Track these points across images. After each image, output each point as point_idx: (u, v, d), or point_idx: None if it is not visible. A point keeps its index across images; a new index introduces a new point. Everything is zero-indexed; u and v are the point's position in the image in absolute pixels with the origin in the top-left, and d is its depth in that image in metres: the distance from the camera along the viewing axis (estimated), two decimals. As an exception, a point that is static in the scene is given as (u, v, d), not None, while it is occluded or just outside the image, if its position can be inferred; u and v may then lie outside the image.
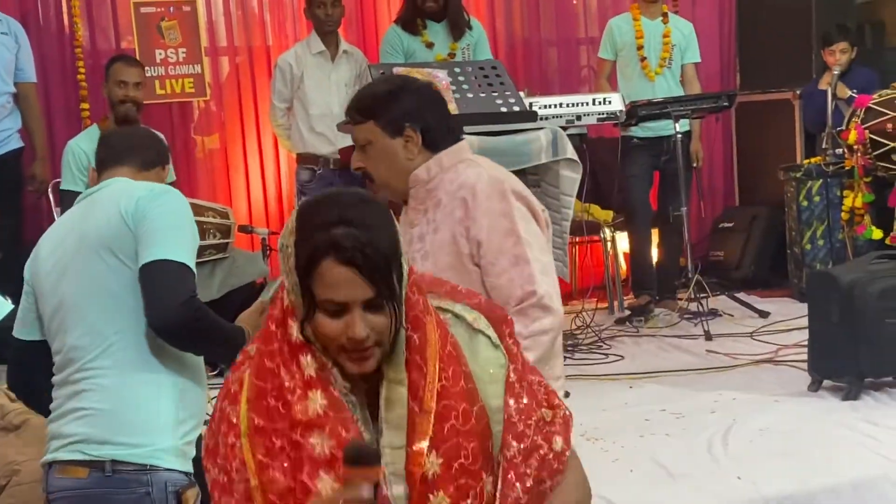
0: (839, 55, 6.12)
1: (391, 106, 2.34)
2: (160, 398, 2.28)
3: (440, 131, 2.39)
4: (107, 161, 2.53)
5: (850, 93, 5.84)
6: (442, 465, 1.52)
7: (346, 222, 1.49)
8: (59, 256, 2.39)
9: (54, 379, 2.37)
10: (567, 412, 1.69)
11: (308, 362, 1.52)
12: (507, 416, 1.60)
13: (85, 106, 5.89)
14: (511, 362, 1.63)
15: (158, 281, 2.23)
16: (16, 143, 5.10)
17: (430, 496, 1.53)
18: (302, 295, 1.51)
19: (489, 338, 1.63)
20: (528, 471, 1.59)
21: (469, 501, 1.54)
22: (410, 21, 5.67)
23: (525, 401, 1.62)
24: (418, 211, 2.39)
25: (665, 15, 6.05)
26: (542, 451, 1.61)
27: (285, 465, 1.49)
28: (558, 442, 1.64)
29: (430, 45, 5.64)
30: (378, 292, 1.49)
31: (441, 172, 2.36)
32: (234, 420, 1.54)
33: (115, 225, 2.31)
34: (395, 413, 1.54)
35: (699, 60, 6.20)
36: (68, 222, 2.46)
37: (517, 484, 1.57)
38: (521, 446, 1.59)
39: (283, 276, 1.55)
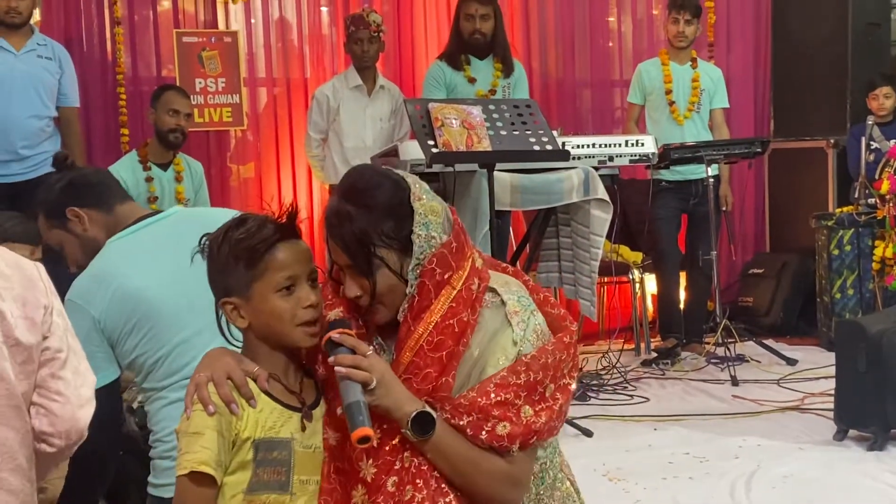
0: (883, 100, 6.14)
1: None
2: None
3: None
4: (125, 194, 2.66)
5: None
6: None
7: (339, 198, 1.81)
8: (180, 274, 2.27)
9: (174, 380, 2.39)
10: (536, 431, 1.78)
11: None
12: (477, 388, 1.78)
13: (125, 132, 5.98)
14: (520, 365, 1.78)
15: None
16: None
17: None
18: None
19: (514, 333, 1.81)
20: (461, 420, 1.77)
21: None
22: (455, 56, 5.73)
23: (498, 397, 1.76)
24: None
25: (694, 60, 6.09)
26: (484, 422, 1.76)
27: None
28: (505, 427, 1.76)
29: (472, 81, 5.70)
30: (354, 262, 1.78)
31: None
32: None
33: None
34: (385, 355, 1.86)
35: (728, 106, 6.23)
36: (165, 242, 2.47)
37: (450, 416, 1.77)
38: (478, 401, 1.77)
39: None
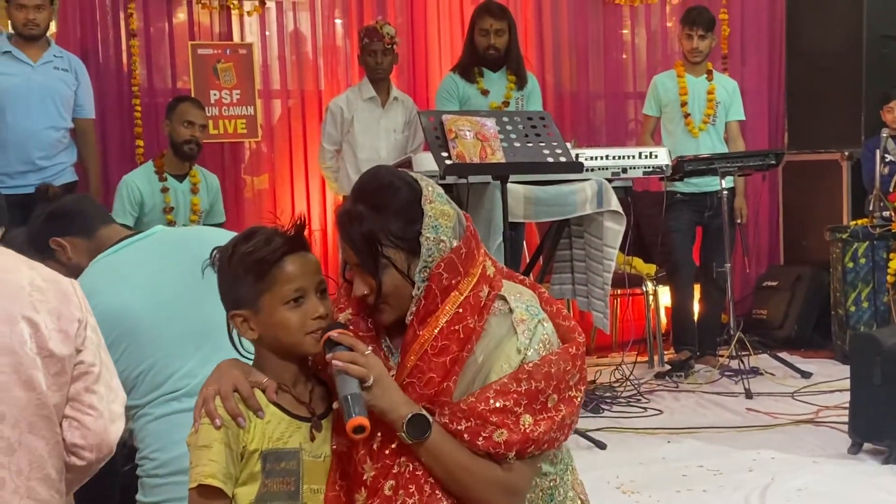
0: None
1: None
2: None
3: None
4: (106, 217, 2.71)
5: None
6: None
7: (352, 198, 1.83)
8: (181, 284, 2.35)
9: (156, 395, 2.37)
10: (534, 440, 1.78)
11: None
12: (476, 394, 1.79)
13: (140, 143, 6.01)
14: (522, 373, 1.77)
15: None
16: (69, 176, 5.20)
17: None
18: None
19: (518, 342, 1.80)
20: (459, 426, 1.77)
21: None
22: (468, 68, 5.74)
23: (497, 403, 1.76)
24: None
25: (709, 72, 6.09)
26: (482, 428, 1.76)
27: None
28: (502, 434, 1.75)
29: (485, 93, 5.70)
30: (362, 260, 1.80)
31: None
32: None
33: None
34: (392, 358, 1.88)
35: (743, 118, 6.22)
36: (145, 260, 2.49)
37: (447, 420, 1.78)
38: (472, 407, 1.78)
39: None
